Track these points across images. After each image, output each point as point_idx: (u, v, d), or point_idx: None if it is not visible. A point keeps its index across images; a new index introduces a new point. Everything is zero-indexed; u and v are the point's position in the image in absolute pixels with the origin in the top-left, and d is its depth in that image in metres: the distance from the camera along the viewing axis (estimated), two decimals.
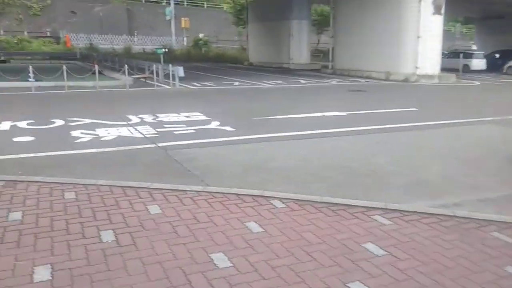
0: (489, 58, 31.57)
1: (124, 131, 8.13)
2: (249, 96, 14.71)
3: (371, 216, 4.02)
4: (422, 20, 21.39)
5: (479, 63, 30.55)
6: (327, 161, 6.40)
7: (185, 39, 41.96)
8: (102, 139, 7.49)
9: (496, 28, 38.42)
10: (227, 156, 6.58)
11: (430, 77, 22.00)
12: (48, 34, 42.19)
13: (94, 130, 8.10)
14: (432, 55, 22.19)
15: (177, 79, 16.44)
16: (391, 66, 22.63)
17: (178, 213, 3.97)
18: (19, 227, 3.60)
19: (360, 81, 21.38)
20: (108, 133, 7.94)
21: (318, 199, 4.38)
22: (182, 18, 40.20)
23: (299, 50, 31.85)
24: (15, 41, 34.43)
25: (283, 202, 4.26)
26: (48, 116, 9.52)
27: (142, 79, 17.40)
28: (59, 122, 8.89)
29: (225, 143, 7.42)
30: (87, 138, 7.53)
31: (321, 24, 42.71)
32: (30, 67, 14.81)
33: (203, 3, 53.93)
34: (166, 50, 18.32)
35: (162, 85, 16.97)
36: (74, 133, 7.87)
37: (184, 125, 8.84)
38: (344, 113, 10.90)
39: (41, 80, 15.25)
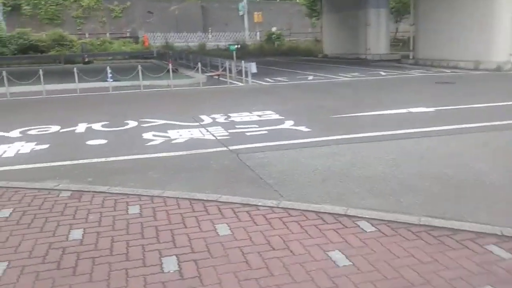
0: None
1: (196, 133, 7.83)
2: (325, 91, 13.95)
3: (484, 246, 3.23)
4: None
5: None
6: (419, 168, 5.57)
7: (258, 33, 41.77)
8: (173, 141, 7.23)
9: None
10: (303, 161, 5.99)
11: None
12: (128, 34, 44.09)
13: (166, 132, 7.88)
14: None
15: (249, 76, 16.08)
16: (481, 54, 20.57)
17: (250, 235, 3.46)
18: (78, 249, 3.29)
19: (446, 72, 19.67)
20: (179, 135, 7.68)
21: (415, 220, 3.65)
22: (255, 13, 40.01)
23: (377, 39, 30.25)
24: (98, 43, 36.27)
25: (372, 225, 3.59)
26: (122, 117, 9.53)
27: (215, 77, 17.28)
28: (132, 124, 8.82)
29: (300, 146, 6.82)
30: (158, 140, 7.31)
31: (399, 11, 40.33)
32: (108, 67, 15.22)
33: None
34: (239, 46, 18.01)
35: (235, 82, 16.71)
36: (146, 135, 7.70)
37: (257, 126, 8.37)
38: (432, 109, 9.81)
39: (118, 80, 15.63)
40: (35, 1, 44.76)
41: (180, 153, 6.54)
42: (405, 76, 18.28)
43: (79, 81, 14.67)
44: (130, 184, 5.07)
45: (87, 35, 42.90)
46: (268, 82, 16.91)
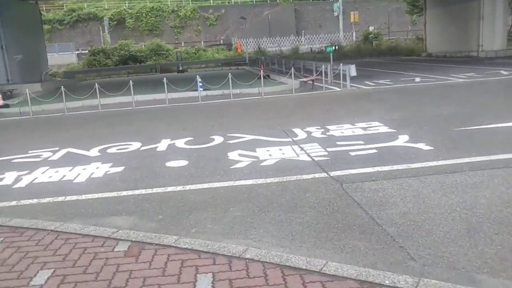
0: None
1: (288, 151, 6.58)
2: (439, 96, 11.94)
3: None
4: None
5: None
6: None
7: (354, 34, 39.63)
8: (262, 164, 6.05)
9: None
10: (432, 197, 4.44)
11: None
12: (221, 41, 44.49)
13: (254, 151, 6.74)
14: None
15: (348, 79, 14.52)
16: None
17: None
18: None
19: None
20: (269, 154, 6.50)
21: None
22: (351, 13, 38.00)
23: (492, 34, 26.71)
24: (193, 51, 36.85)
25: None
26: (208, 131, 8.63)
27: (309, 82, 15.98)
28: (218, 139, 7.83)
29: (424, 172, 5.25)
30: (245, 162, 6.19)
31: None
32: (198, 76, 14.64)
33: None
34: (336, 47, 16.49)
35: (332, 87, 15.24)
36: (232, 155, 6.62)
37: (362, 142, 6.90)
38: None
39: (208, 89, 15.01)
40: (138, 14, 47.18)
41: (270, 180, 5.33)
42: None
43: (169, 91, 14.24)
44: (207, 227, 3.98)
45: (183, 44, 44.09)
46: (369, 85, 15.18)
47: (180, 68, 30.33)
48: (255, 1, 49.99)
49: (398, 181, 5.01)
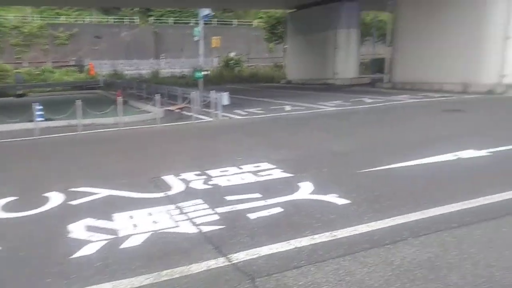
0: None
1: (163, 218, 4.60)
2: (319, 127, 11.11)
3: None
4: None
5: None
6: None
7: (215, 59, 38.96)
8: (123, 245, 3.96)
9: None
10: None
11: None
12: (72, 63, 40.02)
13: (110, 219, 4.61)
14: None
15: (219, 108, 13.03)
16: (470, 76, 18.66)
17: None
18: None
19: (435, 96, 17.53)
20: (134, 224, 4.44)
21: None
22: (213, 38, 37.09)
23: (346, 63, 28.18)
24: (37, 72, 32.05)
25: None
26: (41, 185, 6.13)
27: (177, 111, 14.09)
28: (54, 199, 5.44)
29: (357, 245, 3.78)
30: (96, 243, 4.01)
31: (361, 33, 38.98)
32: (37, 104, 11.60)
33: (231, 21, 51.17)
34: (208, 72, 14.97)
35: (201, 116, 13.55)
36: (75, 229, 4.37)
37: (258, 194, 5.25)
38: (485, 152, 7.13)
39: (50, 119, 12.10)
40: None
41: (137, 280, 3.32)
42: (397, 103, 15.82)
43: None
44: None
45: (26, 64, 38.45)
46: (241, 115, 13.90)
47: (19, 92, 25.79)
48: (113, 21, 46.38)
49: (331, 266, 3.44)
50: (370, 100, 16.60)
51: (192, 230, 4.26)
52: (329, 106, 15.37)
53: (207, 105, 13.86)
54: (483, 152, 7.11)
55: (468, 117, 12.04)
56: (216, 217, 4.57)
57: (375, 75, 32.98)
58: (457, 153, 7.08)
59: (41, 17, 45.27)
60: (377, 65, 41.94)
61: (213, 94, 13.15)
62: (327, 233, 4.06)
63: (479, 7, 18.31)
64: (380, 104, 15.48)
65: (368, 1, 27.85)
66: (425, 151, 7.19)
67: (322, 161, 7.02)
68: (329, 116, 13.08)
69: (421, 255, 3.58)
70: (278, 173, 6.26)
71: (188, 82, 28.26)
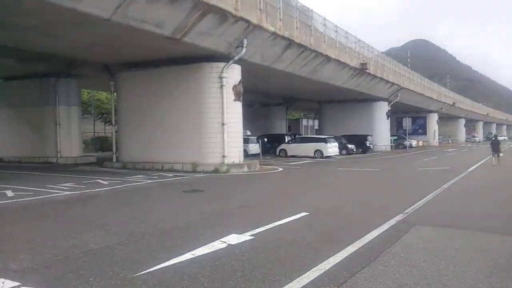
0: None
1: None
2: (56, 219, 9.35)
3: None
4: (225, 106, 20.03)
5: (254, 147, 31.32)
6: None
7: None
8: None
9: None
10: None
11: (240, 165, 20.45)
12: None
13: None
14: (236, 143, 20.90)
15: None
16: (197, 157, 20.17)
17: None
18: None
19: (168, 176, 18.02)
20: None
21: None
22: None
23: (69, 141, 26.39)
24: None
25: None
26: None
27: None
28: None
29: None
30: None
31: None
32: None
33: None
34: None
35: None
36: None
37: None
38: (248, 235, 7.33)
39: None
40: None
41: None
42: (137, 184, 15.34)
43: None
44: None
45: None
46: None
47: None
48: None
49: None
50: (106, 182, 15.54)
51: None
52: (62, 190, 13.50)
53: None
54: (246, 236, 7.27)
55: (209, 196, 12.57)
56: None
57: (99, 154, 32.03)
58: (223, 239, 7.02)
59: None
60: (99, 143, 41.26)
61: None
62: None
63: (198, 99, 20.25)
64: (119, 186, 14.66)
65: (86, 80, 27.27)
66: (193, 241, 6.86)
67: (84, 265, 5.70)
68: (66, 203, 11.37)
69: None
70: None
71: None
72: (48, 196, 12.31)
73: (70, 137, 26.29)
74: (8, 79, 26.66)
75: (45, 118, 25.88)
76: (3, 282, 4.98)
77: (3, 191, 12.97)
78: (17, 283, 4.96)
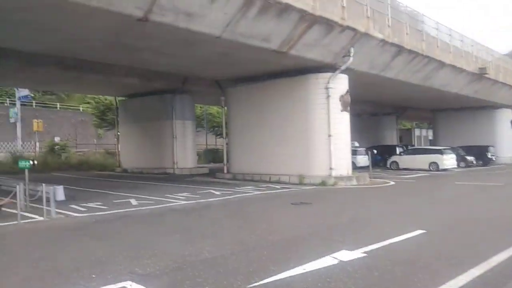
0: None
1: None
2: (175, 227, 10.02)
3: None
4: (332, 117, 19.74)
5: (363, 159, 30.33)
6: None
7: (37, 144, 34.78)
8: None
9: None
10: None
11: (348, 178, 19.95)
12: None
13: None
14: (344, 155, 20.43)
15: (53, 205, 10.92)
16: (304, 169, 20.11)
17: None
18: None
19: (276, 188, 18.22)
20: None
21: None
22: (34, 120, 33.52)
23: (185, 153, 28.07)
24: None
25: None
26: None
27: None
28: None
29: None
30: None
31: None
32: None
33: (55, 104, 47.39)
34: (35, 162, 12.68)
35: (30, 214, 11.12)
36: None
37: None
38: (361, 252, 7.07)
39: None
40: None
41: None
42: (248, 195, 15.79)
43: None
44: None
45: None
46: (80, 211, 11.93)
47: None
48: None
49: None
50: (218, 193, 16.23)
51: None
52: (179, 199, 14.42)
53: (34, 199, 11.62)
54: (358, 253, 7.02)
55: (318, 209, 12.44)
56: None
57: (211, 165, 33.64)
58: (335, 255, 6.85)
59: None
60: (211, 155, 43.45)
61: (44, 188, 11.03)
62: None
63: (303, 111, 20.26)
64: (230, 197, 15.21)
65: (199, 95, 28.88)
66: (303, 255, 6.80)
67: (200, 274, 5.97)
68: (183, 212, 12.10)
69: None
70: None
71: (5, 169, 24.21)
72: (167, 205, 13.24)
73: (185, 150, 28.01)
74: (131, 96, 29.42)
75: (163, 132, 27.91)
76: (130, 285, 5.40)
77: (128, 200, 14.22)
78: (142, 287, 5.34)
